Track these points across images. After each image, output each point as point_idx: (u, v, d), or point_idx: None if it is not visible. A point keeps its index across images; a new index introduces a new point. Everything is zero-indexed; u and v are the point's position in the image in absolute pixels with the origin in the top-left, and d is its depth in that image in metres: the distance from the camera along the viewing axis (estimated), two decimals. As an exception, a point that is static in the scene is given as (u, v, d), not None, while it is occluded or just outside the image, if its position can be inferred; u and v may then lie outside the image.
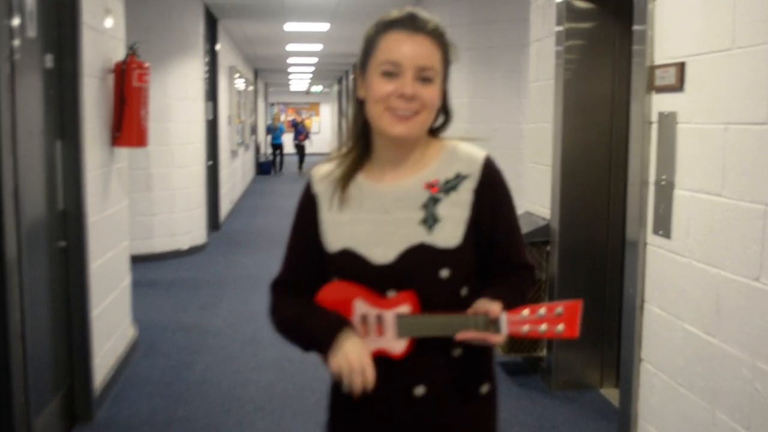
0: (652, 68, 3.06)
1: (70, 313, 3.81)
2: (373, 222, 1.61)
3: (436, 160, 1.64)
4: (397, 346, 1.58)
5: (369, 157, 1.66)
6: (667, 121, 2.95)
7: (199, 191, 8.86)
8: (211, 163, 9.85)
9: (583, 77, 4.18)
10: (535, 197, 4.74)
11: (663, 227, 2.99)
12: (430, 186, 1.61)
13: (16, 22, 2.99)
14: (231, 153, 12.43)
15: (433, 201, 1.60)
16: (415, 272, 1.57)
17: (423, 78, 1.55)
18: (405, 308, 1.57)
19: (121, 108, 4.43)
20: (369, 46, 1.59)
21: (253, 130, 19.13)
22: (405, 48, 1.55)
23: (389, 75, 1.54)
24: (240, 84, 14.23)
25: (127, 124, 4.47)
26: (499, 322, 1.50)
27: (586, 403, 4.18)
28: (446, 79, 1.65)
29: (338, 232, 1.63)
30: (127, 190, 5.01)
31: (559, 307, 1.52)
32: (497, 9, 7.21)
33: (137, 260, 6.49)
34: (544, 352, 4.45)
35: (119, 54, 4.61)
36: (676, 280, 2.90)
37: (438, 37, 1.59)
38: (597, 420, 3.95)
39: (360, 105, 1.63)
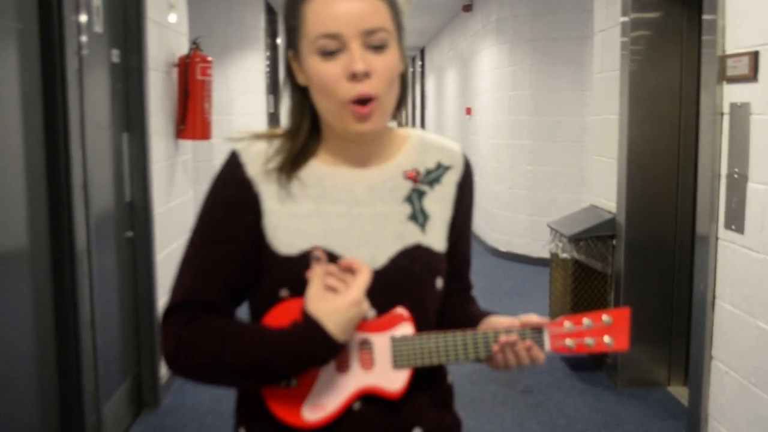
0: (724, 58, 2.97)
1: (137, 301, 3.89)
2: (346, 216, 1.24)
3: (405, 147, 1.32)
4: (395, 381, 1.21)
5: (319, 141, 1.28)
6: (740, 112, 2.86)
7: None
8: (272, 155, 9.94)
9: (650, 68, 4.08)
10: (600, 190, 4.65)
11: (735, 222, 2.89)
12: (413, 175, 1.29)
13: (83, 18, 3.05)
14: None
15: (418, 193, 1.28)
16: (412, 281, 1.24)
17: (375, 45, 1.17)
18: (405, 329, 1.22)
19: (185, 101, 4.48)
20: (293, 18, 1.20)
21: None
22: (340, 10, 1.15)
23: (329, 53, 1.16)
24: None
25: (191, 117, 4.52)
26: (541, 337, 1.25)
27: (653, 401, 4.09)
28: (402, 44, 1.24)
29: (298, 227, 1.22)
30: (192, 182, 5.08)
31: (606, 316, 1.25)
32: (559, 0, 7.11)
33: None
34: (608, 348, 4.36)
35: (183, 48, 4.67)
36: (749, 277, 2.81)
37: None
38: (665, 419, 3.86)
39: (302, 92, 1.25)
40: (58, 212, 2.85)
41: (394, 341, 1.21)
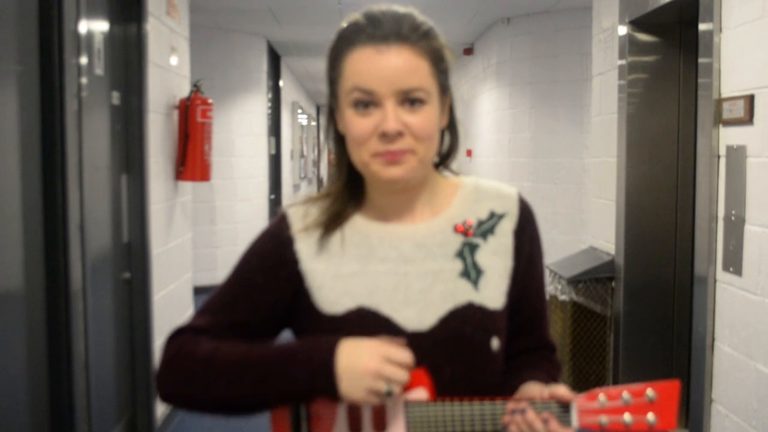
0: (720, 101, 2.98)
1: (133, 343, 3.87)
2: (393, 275, 1.20)
3: (456, 198, 1.27)
4: None
5: (364, 197, 1.26)
6: (736, 154, 2.87)
7: (262, 224, 8.92)
8: (273, 196, 9.97)
9: (647, 111, 4.10)
10: (598, 232, 4.65)
11: (733, 264, 2.89)
12: (463, 228, 1.24)
13: (84, 60, 3.07)
14: (293, 186, 12.56)
15: (470, 247, 1.23)
16: (463, 343, 1.18)
17: (410, 101, 1.14)
18: (420, 392, 1.13)
19: (185, 143, 4.51)
20: (333, 70, 1.20)
21: (316, 165, 19.34)
22: (375, 68, 1.13)
23: (363, 106, 1.15)
24: (303, 119, 14.42)
25: (191, 159, 4.55)
26: (568, 411, 1.12)
27: (653, 445, 4.04)
28: (447, 92, 1.22)
29: (343, 286, 1.20)
30: (191, 223, 5.09)
31: (651, 390, 1.10)
32: (558, 43, 7.18)
33: (200, 291, 6.55)
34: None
35: (184, 90, 4.71)
36: (748, 319, 2.79)
37: (419, 41, 1.16)
38: (665, 463, 3.80)
39: (341, 142, 1.23)
40: (54, 252, 2.84)
41: (408, 406, 1.13)
